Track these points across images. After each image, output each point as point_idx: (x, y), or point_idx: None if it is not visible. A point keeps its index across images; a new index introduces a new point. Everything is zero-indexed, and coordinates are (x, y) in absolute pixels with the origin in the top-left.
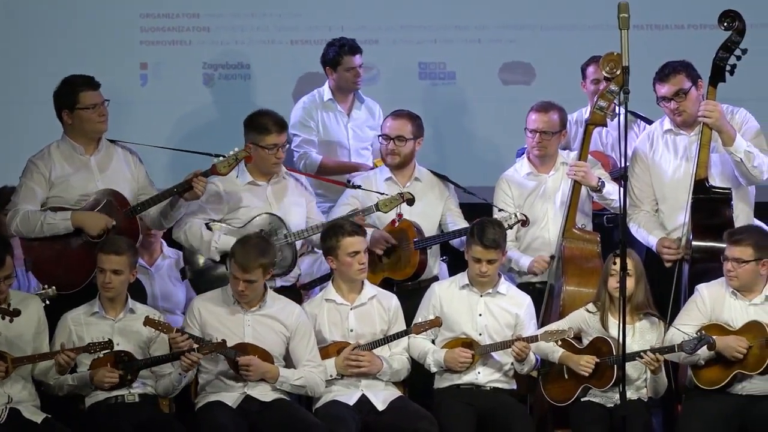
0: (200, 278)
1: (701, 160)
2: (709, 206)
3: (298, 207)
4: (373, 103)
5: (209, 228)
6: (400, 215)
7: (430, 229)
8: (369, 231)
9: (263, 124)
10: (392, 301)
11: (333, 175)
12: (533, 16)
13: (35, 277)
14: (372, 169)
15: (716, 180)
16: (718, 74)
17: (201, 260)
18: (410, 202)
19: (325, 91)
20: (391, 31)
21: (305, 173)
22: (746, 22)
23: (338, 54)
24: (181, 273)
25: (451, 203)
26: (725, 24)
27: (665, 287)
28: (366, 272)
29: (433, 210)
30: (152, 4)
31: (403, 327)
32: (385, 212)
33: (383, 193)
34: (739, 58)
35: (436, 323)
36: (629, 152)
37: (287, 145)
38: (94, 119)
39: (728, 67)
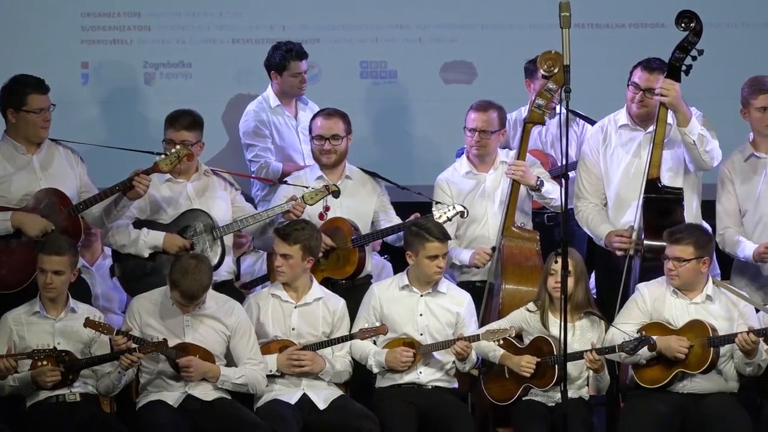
0: (129, 275)
1: (654, 160)
2: (660, 206)
3: (221, 201)
4: (313, 105)
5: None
6: (327, 208)
7: (363, 226)
8: None
9: (167, 119)
10: (339, 304)
11: None
12: (474, 16)
13: None
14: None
15: (665, 176)
16: (673, 74)
17: (130, 258)
18: (335, 194)
19: (270, 96)
20: (333, 30)
21: (265, 179)
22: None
23: (285, 59)
24: (110, 270)
25: (383, 200)
26: (682, 24)
27: (614, 282)
28: (285, 277)
29: (366, 207)
30: (93, 4)
31: (348, 331)
32: (311, 204)
33: (307, 186)
34: (694, 58)
35: (382, 331)
36: (571, 151)
37: (197, 144)
38: (38, 123)
39: (684, 67)
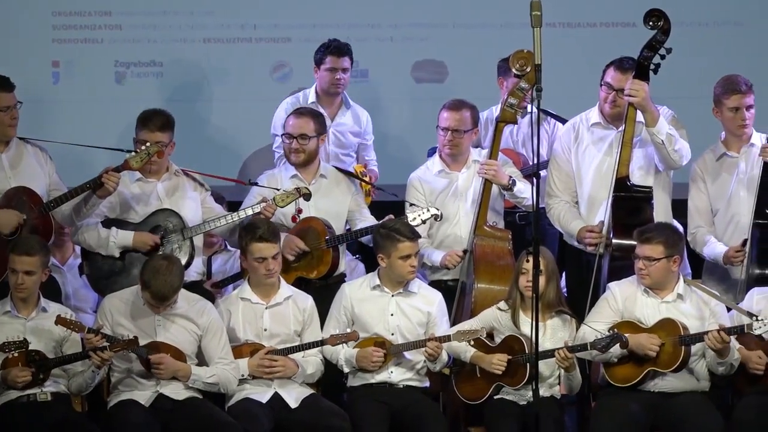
0: (98, 274)
1: (623, 158)
2: (629, 204)
3: (191, 201)
4: (361, 110)
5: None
6: (300, 210)
7: (337, 225)
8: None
9: (140, 119)
10: (308, 302)
11: None
12: (446, 14)
13: None
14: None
15: (636, 174)
16: (642, 73)
17: (99, 257)
18: (307, 197)
19: (311, 93)
20: (304, 30)
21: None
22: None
23: (324, 53)
24: (78, 269)
25: (358, 199)
26: (651, 23)
27: (583, 280)
28: (274, 277)
29: (340, 206)
30: (64, 3)
31: (318, 328)
32: (282, 207)
33: (278, 189)
34: (663, 57)
35: (353, 337)
36: (543, 150)
37: (168, 145)
38: (6, 122)
39: (652, 66)
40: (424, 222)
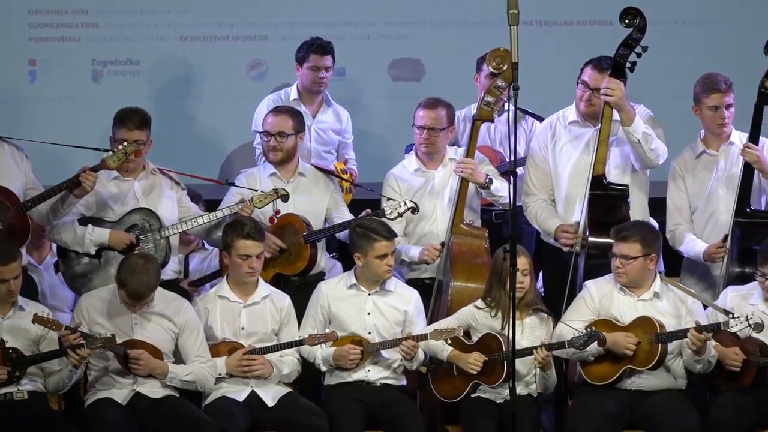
0: (73, 272)
1: (599, 156)
2: (606, 202)
3: (168, 200)
4: (342, 110)
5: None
6: (277, 212)
7: (316, 224)
8: None
9: (117, 118)
10: (285, 301)
11: None
12: (422, 13)
13: None
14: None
15: (613, 173)
16: (618, 71)
17: (74, 255)
18: (285, 198)
19: (292, 90)
20: (281, 28)
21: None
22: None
23: (306, 51)
24: (54, 267)
25: (336, 197)
26: (626, 21)
27: (560, 278)
28: (255, 276)
29: (319, 204)
30: (40, 1)
31: (296, 327)
32: (259, 207)
33: (256, 190)
34: (639, 55)
35: (331, 337)
36: (520, 148)
37: (146, 144)
38: None
39: (629, 64)
40: (401, 215)
